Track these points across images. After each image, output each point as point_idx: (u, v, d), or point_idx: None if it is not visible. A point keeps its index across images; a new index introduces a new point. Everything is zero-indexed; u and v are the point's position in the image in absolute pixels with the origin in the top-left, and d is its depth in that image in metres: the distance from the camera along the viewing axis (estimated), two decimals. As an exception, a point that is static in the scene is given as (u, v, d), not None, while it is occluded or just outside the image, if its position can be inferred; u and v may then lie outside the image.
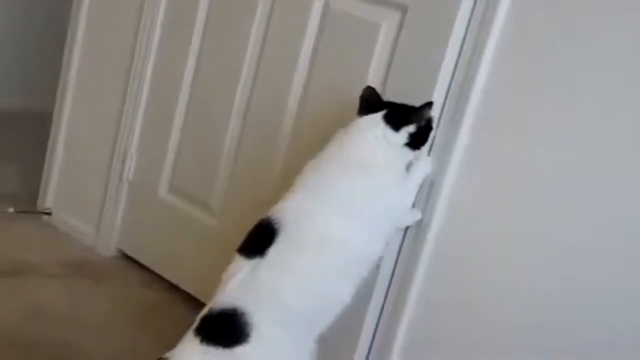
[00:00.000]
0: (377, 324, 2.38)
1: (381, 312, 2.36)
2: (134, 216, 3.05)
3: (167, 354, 1.98)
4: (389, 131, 2.05)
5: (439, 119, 2.18)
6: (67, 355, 2.38)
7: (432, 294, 2.25)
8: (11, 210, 3.23)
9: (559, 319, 2.05)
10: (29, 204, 3.31)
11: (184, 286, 2.86)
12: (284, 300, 1.98)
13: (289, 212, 2.05)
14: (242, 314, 1.95)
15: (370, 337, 2.39)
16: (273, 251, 2.00)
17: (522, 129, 2.11)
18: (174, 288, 2.88)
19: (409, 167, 2.13)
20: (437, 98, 2.17)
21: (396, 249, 2.27)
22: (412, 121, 2.06)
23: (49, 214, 3.26)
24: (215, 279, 2.73)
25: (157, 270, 2.97)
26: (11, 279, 2.78)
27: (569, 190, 2.04)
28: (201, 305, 2.73)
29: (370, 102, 2.11)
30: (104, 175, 3.11)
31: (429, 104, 2.09)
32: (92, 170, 3.16)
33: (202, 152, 2.84)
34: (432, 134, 2.15)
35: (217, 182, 2.78)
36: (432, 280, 2.25)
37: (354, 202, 2.03)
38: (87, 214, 3.17)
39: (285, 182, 2.56)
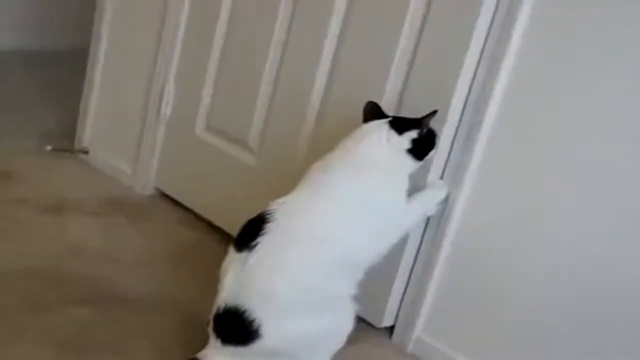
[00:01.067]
0: (403, 295, 2.39)
1: (408, 281, 2.38)
2: (171, 155, 3.03)
3: (198, 354, 2.00)
4: (392, 134, 2.07)
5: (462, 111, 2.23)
6: (105, 291, 2.38)
7: (457, 264, 2.28)
8: (49, 148, 3.22)
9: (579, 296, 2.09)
10: (66, 142, 3.29)
11: (222, 225, 2.84)
12: (276, 294, 1.95)
13: (285, 206, 2.06)
14: (244, 311, 1.93)
15: (397, 306, 2.41)
16: (261, 244, 1.97)
17: (544, 128, 2.12)
18: (212, 227, 2.86)
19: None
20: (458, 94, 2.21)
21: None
22: (415, 127, 2.08)
23: (86, 152, 3.24)
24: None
25: (195, 209, 2.95)
26: (49, 216, 2.78)
27: (587, 188, 2.06)
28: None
29: (373, 113, 2.15)
30: (141, 114, 3.07)
31: (433, 113, 2.10)
32: (129, 109, 3.13)
33: (240, 90, 2.79)
34: (434, 151, 2.17)
35: (254, 120, 2.74)
36: (457, 253, 2.27)
37: (352, 201, 2.03)
38: (124, 152, 3.15)
39: (321, 121, 2.54)
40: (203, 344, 2.03)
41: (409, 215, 2.16)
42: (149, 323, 2.23)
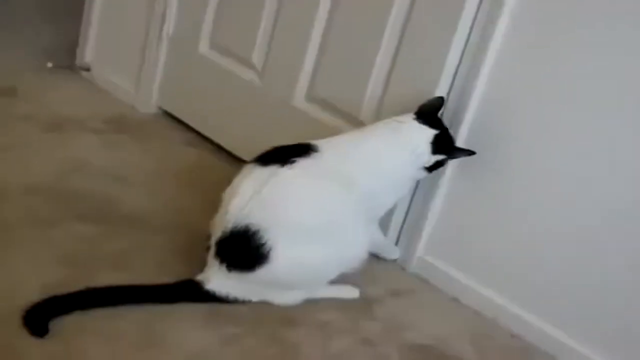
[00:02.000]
0: (405, 215, 2.41)
1: (410, 202, 2.39)
2: (174, 73, 2.99)
3: (199, 277, 2.01)
4: (428, 150, 2.12)
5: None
6: (108, 208, 2.38)
7: (459, 186, 2.29)
8: (50, 65, 3.18)
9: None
10: (68, 59, 3.26)
11: (226, 145, 2.83)
12: (297, 217, 1.98)
13: (330, 145, 2.10)
14: (255, 232, 1.94)
15: (399, 227, 2.43)
16: (299, 163, 2.01)
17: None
18: (216, 147, 2.85)
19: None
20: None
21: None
22: (448, 154, 2.16)
23: (88, 69, 3.21)
24: (257, 139, 2.72)
25: (198, 129, 2.93)
26: (52, 133, 2.76)
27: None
28: (243, 163, 2.74)
29: (431, 110, 2.17)
30: (144, 31, 3.03)
31: (471, 152, 2.17)
32: (132, 26, 3.08)
33: (244, 6, 2.74)
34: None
35: (258, 39, 2.70)
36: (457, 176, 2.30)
37: (379, 166, 2.11)
38: (126, 70, 3.11)
39: (327, 39, 2.51)
40: (204, 262, 2.05)
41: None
42: (152, 240, 2.23)
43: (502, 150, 2.22)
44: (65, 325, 1.84)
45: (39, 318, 1.82)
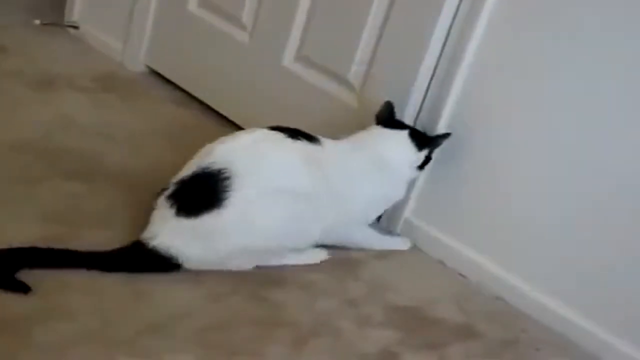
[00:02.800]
0: None
1: None
2: (163, 32, 2.97)
3: (144, 235, 1.97)
4: (413, 150, 2.18)
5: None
6: (94, 165, 2.37)
7: (446, 148, 2.25)
8: (37, 22, 3.16)
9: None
10: (56, 16, 3.23)
11: (213, 104, 2.82)
12: (275, 178, 1.98)
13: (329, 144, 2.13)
14: (227, 177, 1.92)
15: None
16: (302, 143, 2.05)
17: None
18: (203, 106, 2.85)
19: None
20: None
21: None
22: (430, 145, 2.21)
23: (76, 27, 3.18)
24: (246, 99, 2.71)
25: (186, 88, 2.92)
26: (39, 91, 2.74)
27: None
28: (231, 124, 2.73)
29: (389, 115, 2.22)
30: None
31: (447, 135, 2.21)
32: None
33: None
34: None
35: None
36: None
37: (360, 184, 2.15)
38: (114, 28, 3.09)
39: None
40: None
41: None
42: (137, 199, 2.21)
43: (488, 114, 2.22)
44: (46, 281, 1.83)
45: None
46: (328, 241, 2.17)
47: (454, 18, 2.22)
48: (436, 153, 2.24)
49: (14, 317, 1.73)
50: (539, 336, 2.14)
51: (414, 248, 2.37)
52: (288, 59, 2.59)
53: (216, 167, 1.94)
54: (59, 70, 2.91)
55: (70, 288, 1.85)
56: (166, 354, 1.76)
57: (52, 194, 2.18)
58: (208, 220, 1.93)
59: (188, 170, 1.99)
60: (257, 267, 2.08)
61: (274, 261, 2.10)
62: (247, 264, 2.06)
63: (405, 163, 2.19)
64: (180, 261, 1.96)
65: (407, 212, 2.38)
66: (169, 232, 1.95)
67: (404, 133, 2.18)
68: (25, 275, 1.81)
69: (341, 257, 2.23)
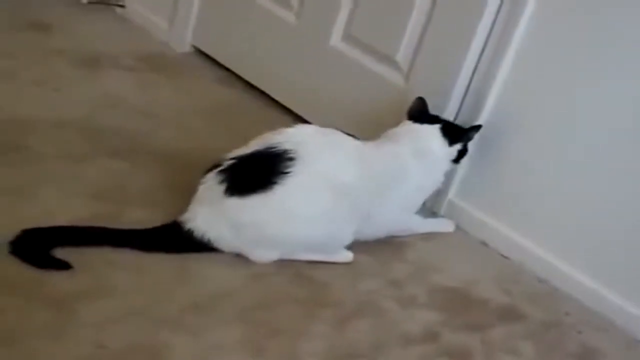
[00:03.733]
0: None
1: None
2: (209, 11, 2.98)
3: (181, 217, 1.97)
4: (445, 144, 2.17)
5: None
6: (138, 144, 2.39)
7: (490, 132, 2.23)
8: (85, 1, 3.18)
9: None
10: (103, -5, 3.27)
11: (260, 85, 2.82)
12: (341, 171, 1.99)
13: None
14: (289, 158, 1.92)
15: None
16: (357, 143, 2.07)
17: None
18: (249, 86, 2.85)
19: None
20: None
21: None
22: (462, 139, 2.19)
23: (122, 6, 3.21)
24: (292, 79, 2.70)
25: (232, 68, 2.92)
26: (85, 69, 2.77)
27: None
28: (277, 104, 2.74)
29: (420, 110, 2.21)
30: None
31: (478, 127, 2.21)
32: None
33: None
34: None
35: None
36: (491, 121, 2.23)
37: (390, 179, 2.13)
38: (161, 7, 3.10)
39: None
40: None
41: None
42: (180, 178, 2.22)
43: (531, 99, 2.20)
44: (92, 259, 1.86)
45: (30, 250, 1.82)
46: (376, 236, 2.17)
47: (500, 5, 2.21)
48: (480, 135, 2.23)
49: (60, 294, 1.76)
50: (582, 319, 2.13)
51: (457, 229, 2.36)
52: (335, 38, 2.58)
53: (284, 146, 1.94)
54: (104, 49, 2.94)
55: (115, 266, 1.87)
56: (209, 332, 1.77)
57: (97, 172, 2.21)
58: (255, 202, 1.92)
59: (249, 148, 1.98)
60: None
61: (300, 256, 2.07)
62: (274, 255, 2.03)
63: (438, 156, 2.18)
64: (214, 244, 1.97)
65: (451, 194, 2.37)
66: (207, 215, 1.95)
67: (436, 127, 2.17)
68: (71, 253, 1.84)
69: (386, 238, 2.22)
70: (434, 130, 2.17)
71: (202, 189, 1.99)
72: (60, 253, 1.83)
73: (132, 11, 3.19)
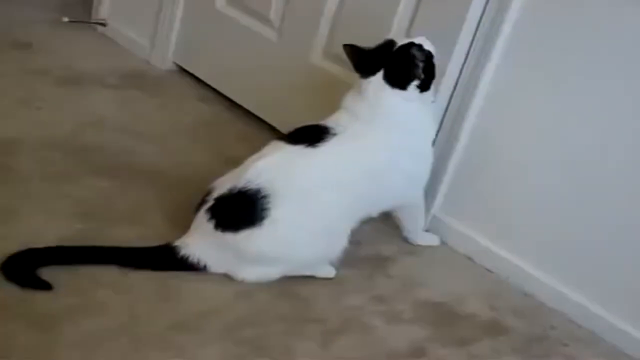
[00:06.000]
0: None
1: None
2: (191, 29, 2.98)
3: (178, 242, 1.99)
4: (396, 92, 2.05)
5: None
6: (123, 163, 2.38)
7: (475, 146, 2.26)
8: (66, 19, 3.17)
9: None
10: (83, 14, 3.25)
11: (241, 102, 2.82)
12: (308, 192, 1.97)
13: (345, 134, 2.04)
14: (266, 196, 1.93)
15: None
16: (327, 147, 2.00)
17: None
18: (231, 103, 2.85)
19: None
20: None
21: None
22: (413, 77, 2.04)
23: (103, 24, 3.20)
24: (273, 96, 2.71)
25: (214, 85, 2.93)
26: (67, 87, 2.76)
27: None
28: (259, 121, 2.74)
29: (360, 56, 2.10)
30: (159, -14, 3.02)
31: (411, 46, 2.05)
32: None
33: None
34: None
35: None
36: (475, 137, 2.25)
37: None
38: (142, 25, 3.10)
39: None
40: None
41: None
42: (165, 195, 2.23)
43: (516, 112, 2.22)
44: (77, 278, 1.85)
45: (19, 269, 1.82)
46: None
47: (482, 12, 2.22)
48: (464, 149, 2.24)
49: (45, 313, 1.74)
50: (568, 332, 2.13)
51: (442, 244, 2.36)
52: (316, 55, 2.59)
53: (254, 186, 1.94)
54: (86, 67, 2.93)
55: (100, 284, 1.86)
56: (195, 349, 1.77)
57: (81, 190, 2.20)
58: (246, 237, 1.94)
59: (226, 186, 1.99)
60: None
61: (292, 273, 2.07)
62: (272, 276, 2.04)
63: (405, 113, 2.07)
64: (210, 269, 1.99)
65: (435, 209, 2.37)
66: (202, 244, 1.97)
67: (380, 83, 2.05)
68: (56, 272, 1.83)
69: (371, 253, 2.23)
70: (381, 88, 2.05)
71: (194, 222, 2.01)
72: (44, 272, 1.82)
73: (113, 29, 3.18)
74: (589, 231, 2.12)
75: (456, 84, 2.28)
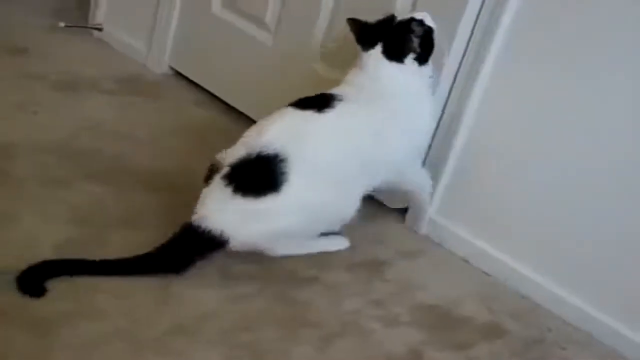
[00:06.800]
0: None
1: (423, 164, 2.36)
2: (187, 33, 2.98)
3: (195, 217, 1.99)
4: (395, 65, 2.11)
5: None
6: (119, 167, 2.38)
7: (472, 149, 2.28)
8: (62, 24, 3.17)
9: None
10: (80, 19, 3.25)
11: (237, 105, 2.82)
12: (329, 155, 2.02)
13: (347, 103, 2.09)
14: (282, 160, 1.96)
15: None
16: (335, 111, 2.05)
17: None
18: (227, 107, 2.85)
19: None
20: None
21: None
22: (409, 51, 2.11)
23: (100, 29, 3.20)
24: (270, 99, 2.70)
25: (210, 89, 2.93)
26: (64, 92, 2.76)
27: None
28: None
29: (363, 30, 2.16)
30: (155, -8, 3.03)
31: (412, 21, 2.11)
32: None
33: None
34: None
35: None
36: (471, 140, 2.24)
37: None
38: (139, 30, 3.10)
39: (339, 3, 2.48)
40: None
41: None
42: (162, 200, 2.23)
43: (513, 114, 2.21)
44: (77, 284, 1.85)
45: (33, 281, 1.82)
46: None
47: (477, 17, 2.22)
48: (459, 153, 2.24)
49: (43, 318, 1.75)
50: (565, 335, 2.13)
51: (439, 247, 2.36)
52: (312, 58, 2.59)
53: (271, 151, 1.97)
54: (82, 72, 2.93)
55: (98, 289, 1.87)
56: (193, 354, 1.77)
57: (78, 195, 2.20)
58: (264, 203, 1.97)
59: (240, 153, 2.01)
60: (284, 267, 2.09)
61: (306, 248, 2.14)
62: (288, 249, 2.10)
63: (401, 77, 2.13)
64: (228, 240, 1.98)
65: (432, 211, 2.37)
66: (221, 212, 1.98)
67: (379, 57, 2.12)
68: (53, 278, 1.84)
69: (367, 257, 2.24)
70: (380, 60, 2.11)
71: (206, 193, 2.01)
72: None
73: (110, 34, 3.18)
74: (586, 233, 2.12)
75: (455, 77, 2.29)
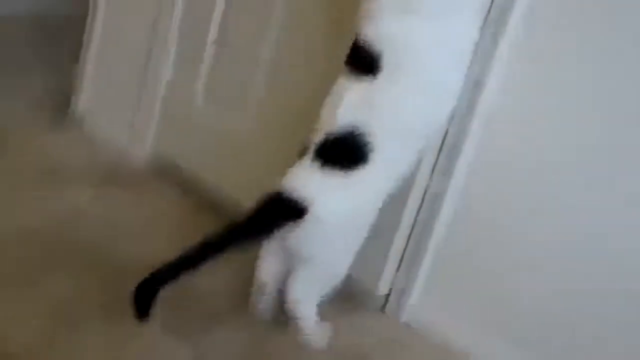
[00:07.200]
0: (399, 262, 2.39)
1: (405, 248, 2.37)
2: (169, 125, 3.02)
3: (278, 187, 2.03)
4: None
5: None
6: (103, 258, 2.38)
7: (456, 232, 2.28)
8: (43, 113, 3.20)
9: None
10: (62, 105, 3.28)
11: (222, 196, 2.83)
12: (402, 116, 2.01)
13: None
14: (362, 133, 1.98)
15: (392, 274, 2.40)
16: (386, 72, 2.00)
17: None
18: (211, 197, 2.85)
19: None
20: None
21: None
22: None
23: (82, 119, 3.23)
24: (254, 185, 2.71)
25: (194, 178, 2.94)
26: (45, 183, 2.77)
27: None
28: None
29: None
30: (138, 82, 3.06)
31: None
32: (126, 77, 3.11)
33: (237, 62, 2.78)
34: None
35: (252, 90, 2.73)
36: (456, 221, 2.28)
37: None
38: (120, 121, 3.13)
39: (321, 90, 2.53)
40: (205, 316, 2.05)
41: None
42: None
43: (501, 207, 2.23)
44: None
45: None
46: None
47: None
48: (445, 236, 2.27)
49: None
50: None
51: (419, 335, 2.34)
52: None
53: (349, 129, 1.99)
54: (63, 162, 2.95)
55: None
56: None
57: (59, 286, 2.20)
58: (355, 175, 2.00)
59: (321, 133, 2.03)
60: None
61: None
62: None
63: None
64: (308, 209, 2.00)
65: (413, 299, 2.37)
66: (307, 180, 2.02)
67: None
68: None
69: (349, 351, 2.22)
70: None
71: (297, 165, 2.05)
72: None
73: (92, 124, 3.21)
74: (577, 314, 2.11)
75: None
